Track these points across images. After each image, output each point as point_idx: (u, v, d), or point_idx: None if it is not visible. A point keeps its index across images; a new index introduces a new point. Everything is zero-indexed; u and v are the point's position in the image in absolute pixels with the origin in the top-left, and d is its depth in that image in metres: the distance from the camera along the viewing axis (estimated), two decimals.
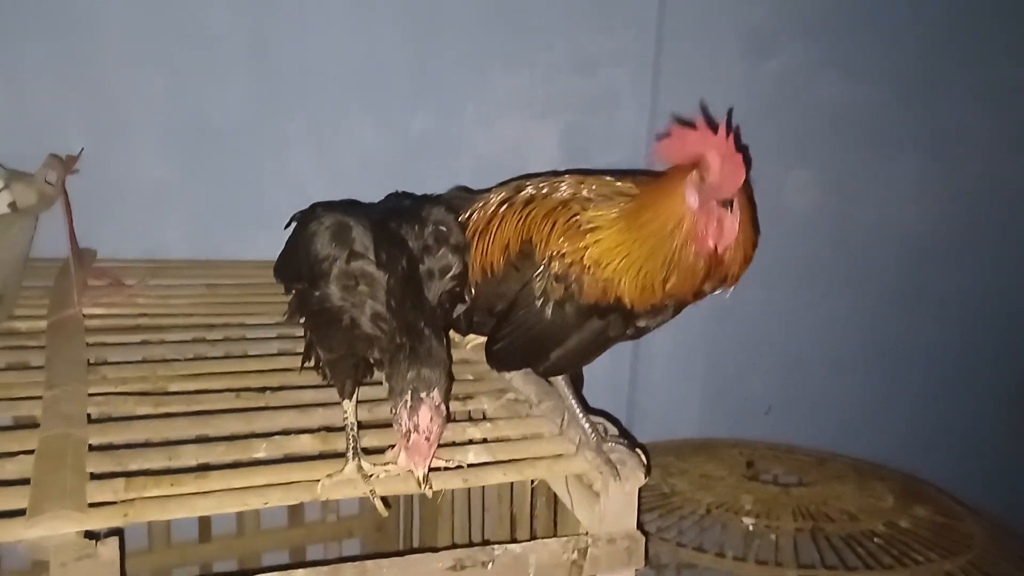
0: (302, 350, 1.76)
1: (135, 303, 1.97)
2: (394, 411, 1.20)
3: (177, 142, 2.27)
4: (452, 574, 1.28)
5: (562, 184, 1.44)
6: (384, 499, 1.35)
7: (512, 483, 1.75)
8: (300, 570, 1.23)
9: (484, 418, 1.61)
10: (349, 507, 2.49)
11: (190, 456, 1.37)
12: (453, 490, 1.98)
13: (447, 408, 1.22)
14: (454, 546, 1.78)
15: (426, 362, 1.19)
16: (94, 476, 1.29)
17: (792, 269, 2.81)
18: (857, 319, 2.93)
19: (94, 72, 2.16)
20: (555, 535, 1.61)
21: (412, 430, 1.18)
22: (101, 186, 2.16)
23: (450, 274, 1.31)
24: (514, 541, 1.45)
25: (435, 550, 1.31)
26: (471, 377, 1.73)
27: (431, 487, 1.32)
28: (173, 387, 1.60)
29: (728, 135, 1.25)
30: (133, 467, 1.33)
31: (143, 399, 1.53)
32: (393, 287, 1.23)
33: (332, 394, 1.58)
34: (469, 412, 1.65)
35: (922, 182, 2.92)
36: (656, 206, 1.33)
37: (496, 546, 1.32)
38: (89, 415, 1.48)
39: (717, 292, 1.39)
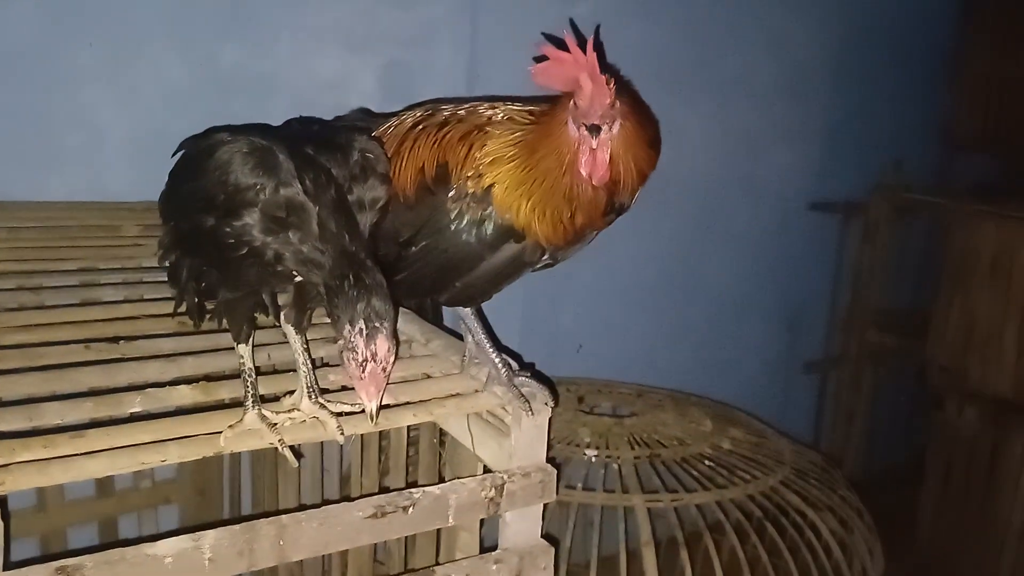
0: (151, 296, 1.63)
1: None
2: (346, 340, 1.10)
3: None
4: (374, 522, 1.21)
5: (478, 107, 1.38)
6: (294, 448, 1.25)
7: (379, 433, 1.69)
8: (212, 531, 1.12)
9: None
10: (165, 471, 2.29)
11: (53, 414, 1.21)
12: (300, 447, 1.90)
13: (397, 339, 1.15)
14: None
15: (375, 292, 1.10)
16: None
17: None
18: (654, 257, 3.05)
19: None
20: (440, 477, 1.58)
21: (370, 359, 1.09)
22: None
23: (378, 204, 1.21)
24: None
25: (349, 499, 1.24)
26: None
27: (342, 432, 1.25)
28: (7, 340, 1.40)
29: (591, 55, 1.21)
30: None
31: None
32: (325, 218, 1.12)
33: (193, 342, 1.46)
34: None
35: (711, 126, 3.07)
36: (548, 139, 1.31)
37: (414, 489, 1.26)
38: None
39: (621, 209, 1.37)
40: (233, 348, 1.29)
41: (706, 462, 2.15)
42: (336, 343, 1.12)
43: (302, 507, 1.95)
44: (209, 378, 1.35)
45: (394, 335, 1.12)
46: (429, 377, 1.45)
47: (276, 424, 1.23)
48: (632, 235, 2.98)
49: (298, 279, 1.17)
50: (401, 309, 1.52)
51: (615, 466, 2.10)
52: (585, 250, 2.79)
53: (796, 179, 3.35)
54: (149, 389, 1.29)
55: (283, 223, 1.12)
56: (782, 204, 3.32)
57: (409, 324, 1.57)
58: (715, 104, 3.06)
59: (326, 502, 1.99)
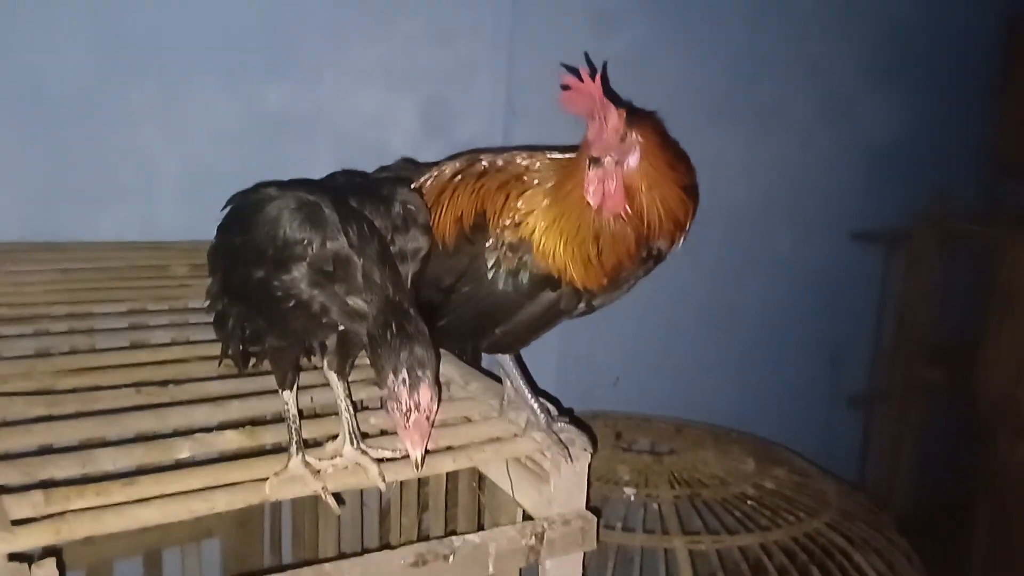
0: (197, 338, 1.66)
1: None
2: (390, 390, 1.12)
3: (9, 111, 2.05)
4: (415, 570, 1.22)
5: (516, 158, 1.41)
6: (337, 495, 1.27)
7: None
8: None
9: None
10: None
11: (107, 461, 1.24)
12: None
13: (439, 387, 1.16)
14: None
15: (417, 341, 1.12)
16: (4, 490, 1.14)
17: None
18: (691, 288, 3.04)
19: None
20: (480, 522, 1.59)
21: (413, 408, 1.12)
22: None
23: (420, 255, 1.24)
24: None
25: (390, 547, 1.25)
26: None
27: (383, 478, 1.27)
28: (61, 384, 1.44)
29: (597, 87, 1.25)
30: (44, 476, 1.19)
31: (33, 399, 1.37)
32: (369, 269, 1.15)
33: (240, 385, 1.49)
34: None
35: (748, 155, 3.07)
36: (572, 178, 1.33)
37: (455, 537, 1.27)
38: None
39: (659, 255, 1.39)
40: (277, 392, 1.32)
41: (749, 502, 2.14)
42: (379, 388, 1.14)
43: (342, 553, 2.02)
44: (255, 422, 1.37)
45: (436, 383, 1.14)
46: (468, 421, 1.46)
47: (319, 471, 1.25)
48: (670, 266, 2.95)
49: (342, 329, 1.20)
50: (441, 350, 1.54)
51: (655, 506, 2.09)
52: None
53: (838, 208, 3.33)
54: (197, 434, 1.32)
55: (330, 276, 1.15)
56: (824, 234, 3.30)
57: (448, 365, 1.58)
58: (754, 133, 3.06)
59: (363, 542, 2.06)
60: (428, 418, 1.12)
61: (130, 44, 2.13)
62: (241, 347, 1.32)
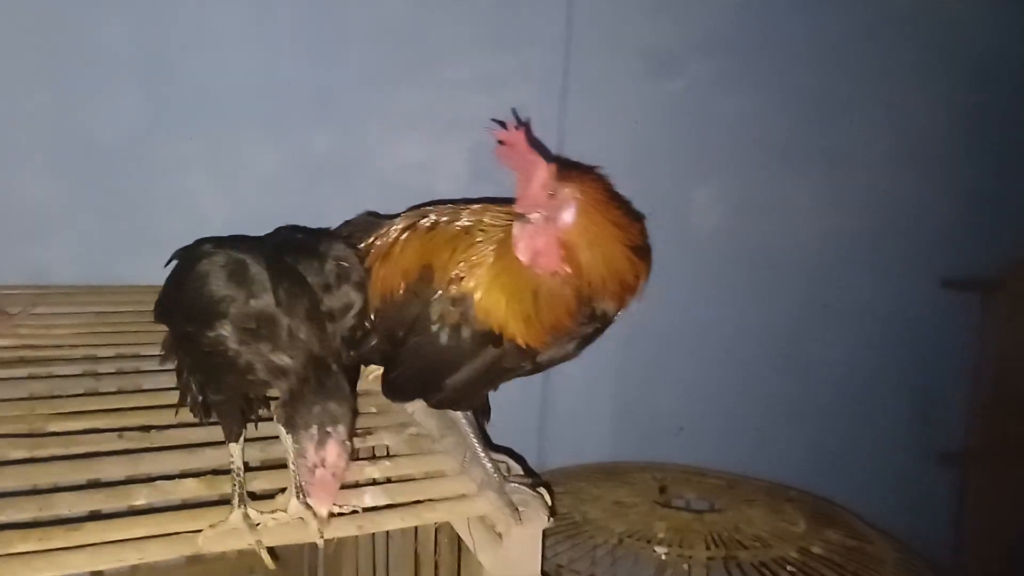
0: None
1: (17, 333, 1.85)
2: (297, 447, 1.13)
3: (63, 161, 2.15)
4: None
5: (465, 211, 1.40)
6: (271, 550, 1.27)
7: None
8: None
9: (386, 455, 1.55)
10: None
11: (64, 505, 1.28)
12: None
13: (352, 443, 1.17)
14: None
15: (332, 396, 1.13)
16: None
17: (699, 287, 2.81)
18: (765, 336, 2.93)
19: None
20: None
21: (319, 464, 1.11)
22: None
23: (352, 311, 1.25)
24: None
25: None
26: (373, 410, 1.67)
27: (322, 535, 1.26)
28: (52, 427, 1.50)
29: (522, 142, 1.24)
30: (1, 519, 1.23)
31: (18, 441, 1.43)
32: (295, 328, 1.16)
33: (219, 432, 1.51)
34: (372, 448, 1.58)
35: (822, 198, 2.94)
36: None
37: None
38: None
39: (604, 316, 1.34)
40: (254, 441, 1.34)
41: (789, 568, 2.02)
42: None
43: None
44: (217, 472, 1.39)
45: (349, 439, 1.13)
46: (430, 477, 1.44)
47: (258, 524, 1.25)
48: (737, 311, 2.89)
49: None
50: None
51: (685, 566, 2.02)
52: (685, 327, 2.76)
53: (925, 254, 3.14)
54: (158, 482, 1.35)
55: (254, 334, 1.16)
56: (910, 281, 3.12)
57: (429, 418, 1.57)
58: (828, 175, 2.94)
59: None
60: (335, 475, 1.11)
61: (180, 97, 2.21)
62: (200, 398, 1.34)
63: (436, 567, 1.66)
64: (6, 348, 1.79)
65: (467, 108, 2.47)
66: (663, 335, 2.80)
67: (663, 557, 2.04)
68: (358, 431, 1.55)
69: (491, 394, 1.85)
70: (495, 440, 2.04)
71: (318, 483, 1.12)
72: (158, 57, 2.17)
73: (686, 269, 2.81)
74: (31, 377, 1.70)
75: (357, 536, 1.94)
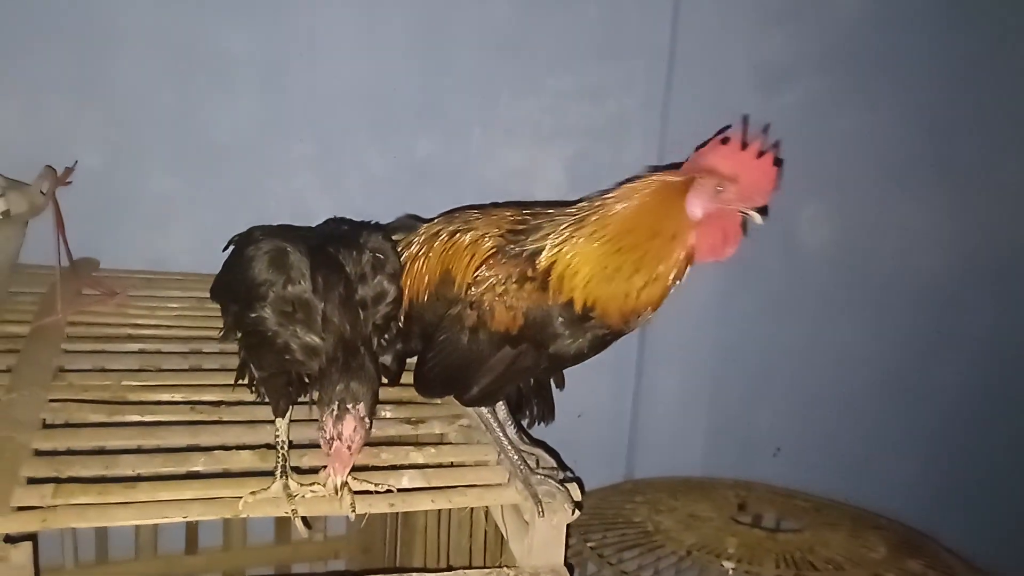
0: None
1: (124, 312, 2.02)
2: (320, 419, 1.21)
3: (185, 157, 2.31)
4: None
5: (491, 215, 1.46)
6: (306, 519, 1.35)
7: (472, 509, 1.74)
8: None
9: (438, 443, 1.61)
10: (336, 527, 2.49)
11: (127, 466, 1.40)
12: (427, 512, 2.00)
13: (371, 421, 1.24)
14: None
15: (356, 376, 1.21)
16: (31, 480, 1.32)
17: (804, 305, 2.76)
18: (872, 359, 2.85)
19: (109, 87, 2.22)
20: (497, 564, 1.60)
21: (335, 438, 1.19)
22: (109, 197, 2.24)
23: (385, 300, 1.32)
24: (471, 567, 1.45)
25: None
26: (438, 401, 1.73)
27: (354, 508, 1.33)
28: (132, 396, 1.63)
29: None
30: (69, 474, 1.36)
31: (99, 407, 1.56)
32: (329, 312, 1.24)
33: None
34: (418, 436, 1.64)
35: (941, 219, 2.83)
36: (652, 220, 1.35)
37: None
38: (44, 420, 1.52)
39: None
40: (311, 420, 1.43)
41: None
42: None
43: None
44: (270, 446, 1.48)
45: (369, 417, 1.19)
46: (470, 465, 1.49)
47: (296, 495, 1.34)
48: (843, 332, 2.82)
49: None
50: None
51: None
52: (786, 345, 2.71)
53: None
54: (216, 451, 1.46)
55: (291, 316, 1.24)
56: None
57: (477, 411, 1.62)
58: (949, 197, 2.82)
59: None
60: (350, 448, 1.18)
61: (293, 101, 2.34)
62: (257, 374, 1.44)
63: (484, 553, 1.71)
64: (111, 325, 1.95)
65: (569, 117, 2.52)
66: (764, 352, 2.76)
67: (729, 572, 2.02)
68: (412, 419, 1.64)
69: (579, 400, 1.89)
70: (582, 443, 2.09)
71: (334, 454, 1.19)
72: (274, 64, 2.31)
73: (792, 286, 2.76)
74: (133, 353, 1.85)
75: (426, 523, 2.04)
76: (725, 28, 2.55)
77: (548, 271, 1.33)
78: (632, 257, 1.31)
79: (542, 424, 1.66)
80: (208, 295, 2.09)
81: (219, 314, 2.01)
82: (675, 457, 2.71)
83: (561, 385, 1.60)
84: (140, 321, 1.99)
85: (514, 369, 1.39)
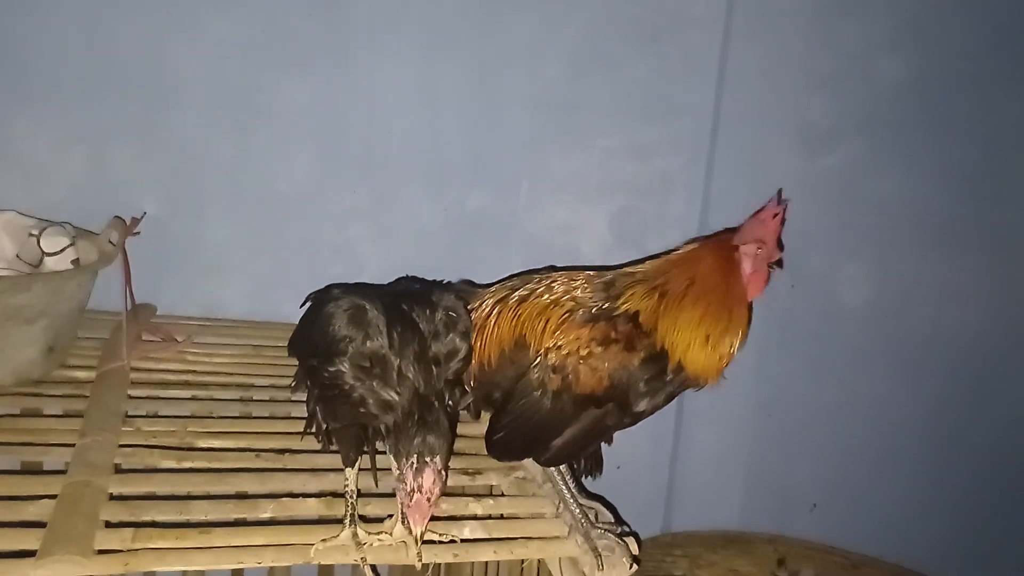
0: None
1: (183, 359, 2.08)
2: (399, 472, 1.26)
3: (243, 207, 2.38)
4: None
5: (554, 283, 1.52)
6: (374, 567, 1.39)
7: (523, 560, 1.77)
8: None
9: (491, 494, 1.65)
10: (382, 570, 2.52)
11: (200, 511, 1.45)
12: (473, 563, 2.03)
13: (447, 474, 1.28)
14: None
15: (432, 430, 1.26)
16: (108, 524, 1.37)
17: (842, 362, 2.78)
18: (909, 419, 2.86)
19: (170, 137, 2.29)
20: None
21: (416, 490, 1.24)
22: (168, 245, 2.30)
23: (457, 358, 1.37)
24: None
25: None
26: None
27: (421, 558, 1.37)
28: (200, 443, 1.68)
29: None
30: (145, 518, 1.41)
31: (168, 453, 1.62)
32: (404, 368, 1.29)
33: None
34: (477, 488, 1.68)
35: (981, 280, 2.85)
36: (717, 280, 1.46)
37: None
38: (117, 465, 1.57)
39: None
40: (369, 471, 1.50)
41: None
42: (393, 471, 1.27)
43: None
44: (335, 494, 1.53)
45: (445, 469, 1.24)
46: (527, 517, 1.53)
47: (364, 543, 1.38)
48: (881, 389, 2.84)
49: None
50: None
51: None
52: (822, 402, 2.74)
53: None
54: (284, 499, 1.51)
55: (368, 371, 1.30)
56: None
57: (533, 464, 1.66)
58: (989, 259, 2.84)
59: None
60: (429, 500, 1.23)
61: (348, 154, 2.41)
62: (324, 426, 1.49)
63: None
64: (171, 371, 2.01)
65: (615, 174, 2.58)
66: (801, 407, 2.79)
67: None
68: (469, 471, 1.68)
69: (618, 452, 1.94)
70: (620, 495, 2.11)
71: (414, 506, 1.24)
72: (331, 118, 2.38)
73: (830, 343, 2.79)
74: (191, 399, 1.91)
75: (472, 572, 2.07)
76: (769, 90, 2.60)
77: (635, 332, 1.39)
78: (719, 316, 1.41)
79: (590, 478, 1.71)
80: (264, 343, 2.21)
81: (271, 362, 2.12)
82: (712, 510, 2.73)
83: (610, 440, 1.64)
84: (198, 368, 2.04)
85: (599, 428, 1.45)
